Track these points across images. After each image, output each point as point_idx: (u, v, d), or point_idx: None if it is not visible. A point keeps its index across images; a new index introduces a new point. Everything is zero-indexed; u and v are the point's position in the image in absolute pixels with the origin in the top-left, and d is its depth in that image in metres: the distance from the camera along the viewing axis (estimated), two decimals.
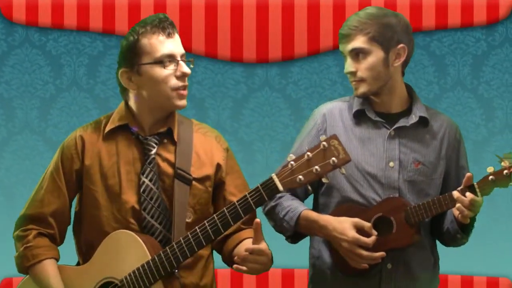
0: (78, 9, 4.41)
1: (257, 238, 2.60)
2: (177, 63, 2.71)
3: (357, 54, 2.86)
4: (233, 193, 2.77)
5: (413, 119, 2.91)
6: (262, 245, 2.61)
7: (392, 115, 2.93)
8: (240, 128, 4.49)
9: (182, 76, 2.71)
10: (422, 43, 4.38)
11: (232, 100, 4.47)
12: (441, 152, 2.93)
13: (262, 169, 4.41)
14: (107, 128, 2.76)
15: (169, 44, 2.70)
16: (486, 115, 4.46)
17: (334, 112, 2.95)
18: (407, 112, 2.93)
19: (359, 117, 2.93)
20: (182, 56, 2.73)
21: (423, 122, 2.93)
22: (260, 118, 4.50)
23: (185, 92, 2.73)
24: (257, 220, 2.59)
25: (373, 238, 2.78)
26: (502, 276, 4.35)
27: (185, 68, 2.71)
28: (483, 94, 4.46)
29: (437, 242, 3.01)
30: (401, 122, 2.91)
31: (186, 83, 2.73)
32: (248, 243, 2.66)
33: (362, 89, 2.88)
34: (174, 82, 2.70)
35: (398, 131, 2.91)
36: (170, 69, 2.70)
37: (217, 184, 2.80)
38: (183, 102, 2.73)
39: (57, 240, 2.79)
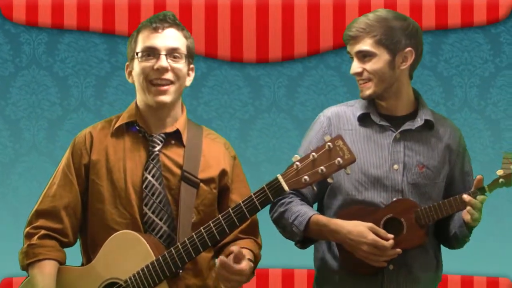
0: (78, 9, 4.40)
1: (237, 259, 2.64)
2: (158, 57, 2.72)
3: (364, 56, 2.89)
4: (237, 202, 2.76)
5: (419, 122, 2.92)
6: (243, 265, 2.64)
7: (398, 118, 2.94)
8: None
9: (159, 70, 2.71)
10: None
11: None
12: (446, 156, 2.94)
13: None
14: (116, 125, 2.80)
15: (152, 38, 2.73)
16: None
17: (340, 115, 2.97)
18: (412, 115, 2.95)
19: (364, 120, 2.95)
20: (168, 50, 2.73)
21: (428, 125, 2.94)
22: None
23: (164, 88, 2.72)
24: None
25: (391, 241, 2.79)
26: (502, 276, 4.36)
27: (163, 62, 2.72)
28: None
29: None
30: (407, 125, 2.92)
31: (166, 77, 2.72)
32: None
33: (369, 91, 2.90)
34: (150, 74, 2.72)
35: (403, 134, 2.92)
36: (149, 62, 2.72)
37: (222, 190, 2.82)
38: (159, 98, 2.73)
39: (69, 235, 2.79)
